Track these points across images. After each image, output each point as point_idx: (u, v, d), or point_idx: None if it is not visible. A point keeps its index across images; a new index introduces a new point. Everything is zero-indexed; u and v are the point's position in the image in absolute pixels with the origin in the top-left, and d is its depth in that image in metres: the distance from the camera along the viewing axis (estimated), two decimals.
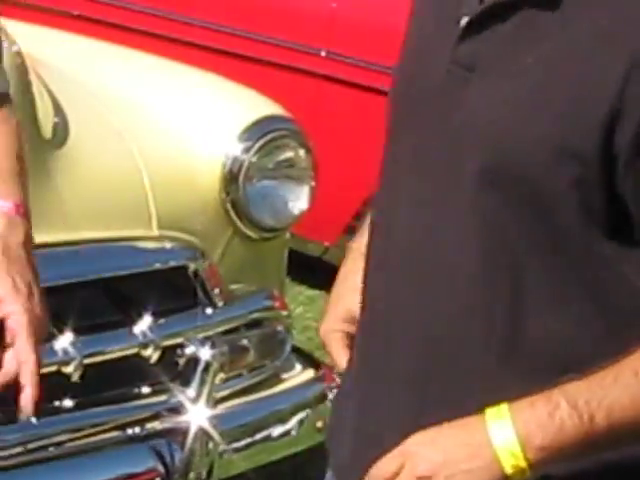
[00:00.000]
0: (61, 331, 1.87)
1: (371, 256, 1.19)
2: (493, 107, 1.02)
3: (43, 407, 1.72)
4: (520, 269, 1.03)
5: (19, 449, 1.82)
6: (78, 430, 1.89)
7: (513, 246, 1.03)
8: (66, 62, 2.25)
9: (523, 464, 0.98)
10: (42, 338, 1.23)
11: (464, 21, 1.04)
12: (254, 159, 2.18)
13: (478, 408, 1.01)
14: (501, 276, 1.04)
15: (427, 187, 1.09)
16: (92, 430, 1.92)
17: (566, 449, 0.97)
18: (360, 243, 1.27)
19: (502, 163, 1.01)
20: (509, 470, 0.98)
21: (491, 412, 1.00)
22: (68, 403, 1.87)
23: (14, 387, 1.24)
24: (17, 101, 1.79)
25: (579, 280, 1.03)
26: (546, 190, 1.00)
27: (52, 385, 1.79)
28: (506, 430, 0.99)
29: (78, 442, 1.90)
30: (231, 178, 2.16)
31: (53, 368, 1.82)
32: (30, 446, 1.82)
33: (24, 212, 1.25)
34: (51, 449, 1.86)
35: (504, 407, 1.00)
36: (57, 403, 1.90)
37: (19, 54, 1.96)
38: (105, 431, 1.94)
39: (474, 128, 1.03)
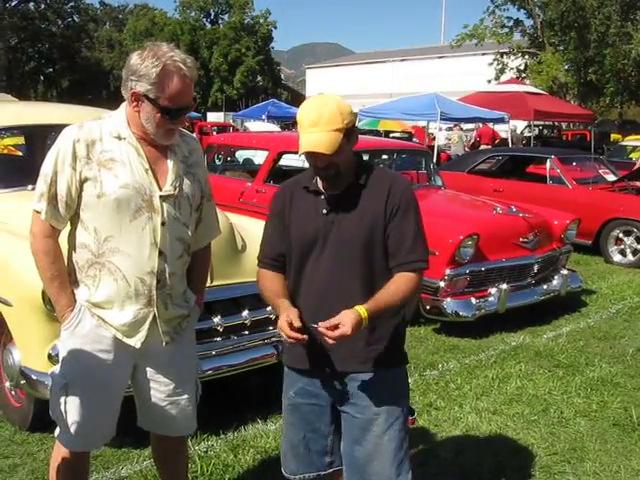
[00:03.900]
0: (240, 311, 3.89)
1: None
2: (345, 229, 2.14)
3: (231, 337, 3.96)
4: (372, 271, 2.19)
5: (218, 350, 3.79)
6: (249, 341, 3.93)
7: (369, 262, 2.17)
8: (244, 224, 4.24)
9: (366, 315, 2.10)
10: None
11: (324, 211, 2.18)
12: None
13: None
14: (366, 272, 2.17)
15: (329, 260, 2.18)
16: (253, 340, 3.97)
17: (376, 314, 2.11)
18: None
19: (359, 242, 2.14)
20: (364, 316, 2.08)
21: (358, 306, 2.09)
22: (244, 331, 3.97)
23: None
24: (228, 238, 3.97)
25: (386, 270, 2.19)
26: (374, 247, 2.18)
27: (238, 326, 3.91)
28: (362, 308, 2.10)
29: (247, 344, 3.91)
30: None
31: (243, 322, 3.92)
32: (224, 350, 3.82)
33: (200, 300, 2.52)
34: (232, 348, 3.84)
35: (361, 306, 2.10)
36: (236, 332, 3.93)
37: (230, 223, 4.00)
38: (257, 340, 4.00)
39: (342, 237, 2.14)
